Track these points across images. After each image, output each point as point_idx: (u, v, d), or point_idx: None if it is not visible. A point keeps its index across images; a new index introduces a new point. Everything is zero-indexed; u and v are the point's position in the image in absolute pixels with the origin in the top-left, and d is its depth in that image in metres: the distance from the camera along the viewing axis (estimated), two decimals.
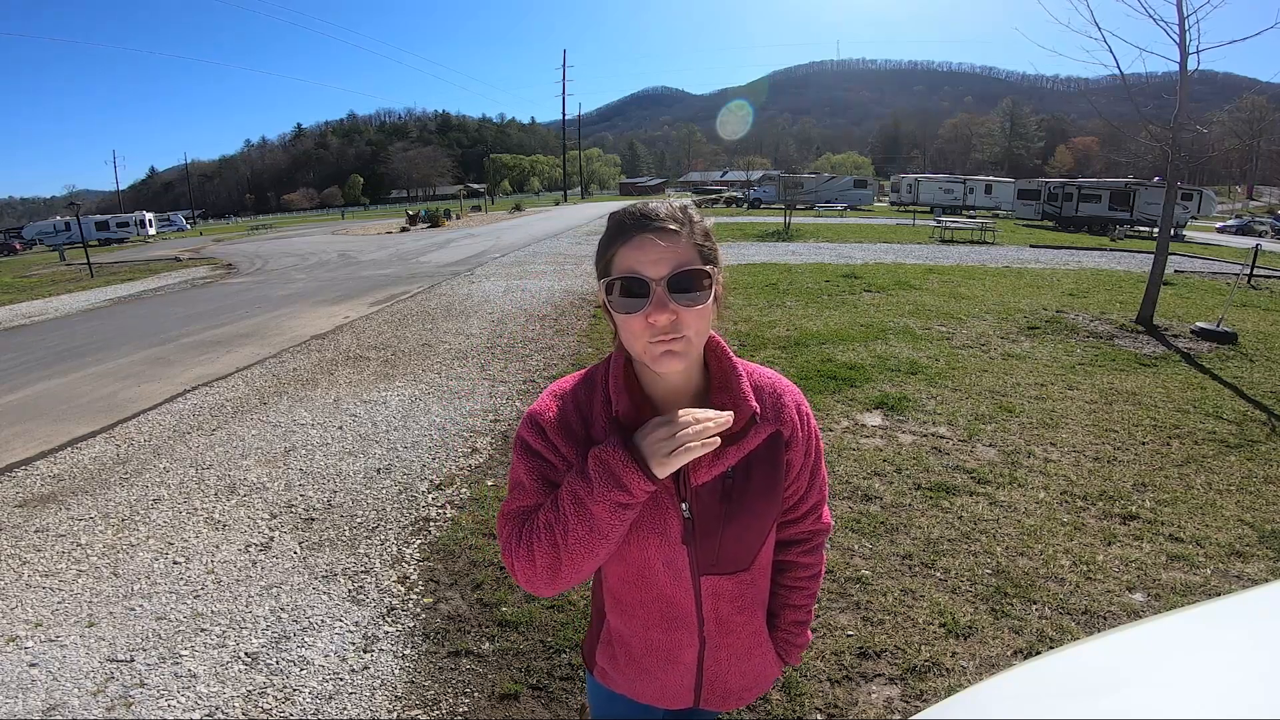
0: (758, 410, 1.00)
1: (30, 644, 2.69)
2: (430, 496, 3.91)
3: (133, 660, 2.58)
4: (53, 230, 42.86)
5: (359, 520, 3.65)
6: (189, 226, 58.42)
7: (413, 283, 13.18)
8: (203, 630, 2.75)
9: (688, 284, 0.90)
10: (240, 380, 6.63)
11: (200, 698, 2.38)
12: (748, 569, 1.07)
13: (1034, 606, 2.71)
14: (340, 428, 5.08)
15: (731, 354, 1.03)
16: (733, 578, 1.06)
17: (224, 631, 2.74)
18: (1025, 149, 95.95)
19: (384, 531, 3.52)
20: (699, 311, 0.91)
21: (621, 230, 0.93)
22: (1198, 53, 7.39)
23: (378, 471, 4.27)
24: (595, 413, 1.00)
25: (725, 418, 0.89)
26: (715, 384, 1.01)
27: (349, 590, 3.01)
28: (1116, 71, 8.16)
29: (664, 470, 0.88)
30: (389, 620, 2.79)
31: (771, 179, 45.66)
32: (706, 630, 1.08)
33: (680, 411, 0.89)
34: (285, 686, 2.42)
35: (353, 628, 2.74)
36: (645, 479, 0.88)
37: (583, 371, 1.07)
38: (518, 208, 51.53)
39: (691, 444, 0.86)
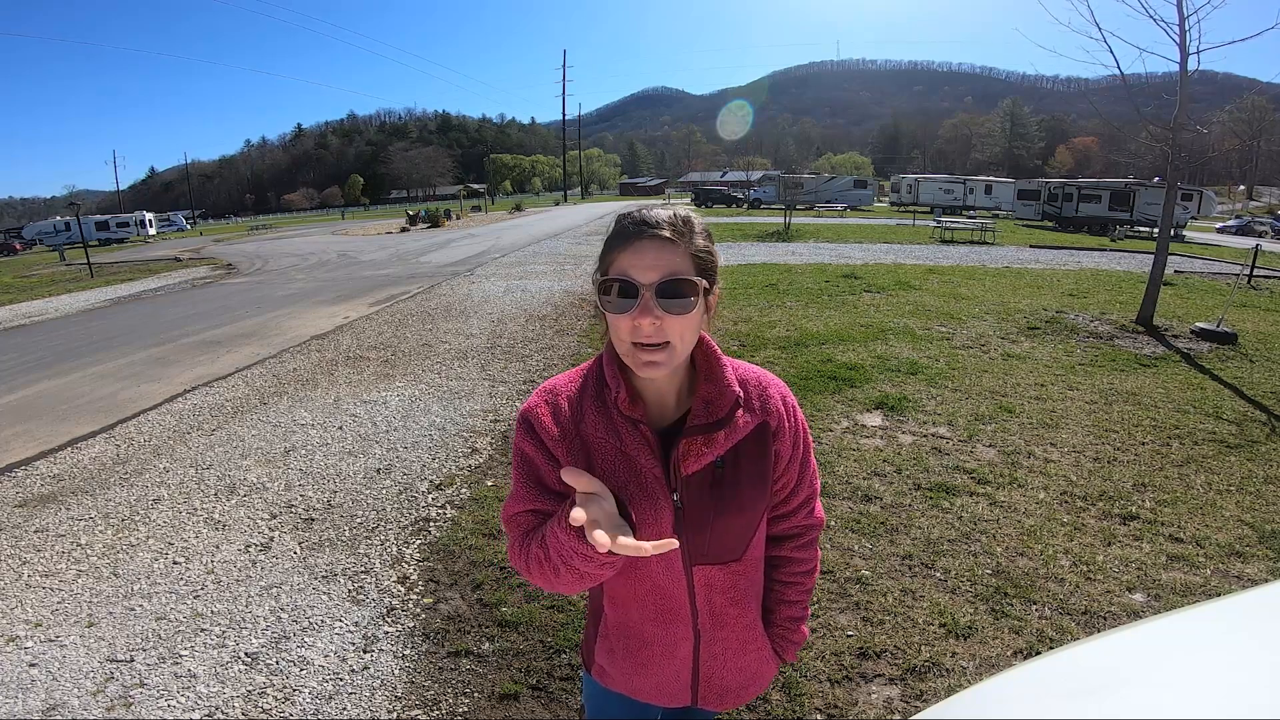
0: (740, 395, 1.03)
1: (30, 644, 2.69)
2: (430, 497, 3.91)
3: (132, 660, 2.58)
4: (53, 230, 42.86)
5: (359, 520, 3.65)
6: (189, 226, 58.47)
7: (413, 283, 13.18)
8: (202, 630, 2.75)
9: (676, 292, 0.92)
10: (240, 380, 6.63)
11: (200, 698, 2.38)
12: (739, 559, 1.09)
13: (1034, 606, 2.71)
14: (340, 428, 5.08)
15: (717, 349, 1.05)
16: (725, 568, 1.08)
17: (224, 631, 2.74)
18: (1025, 149, 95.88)
19: (384, 532, 3.52)
20: (686, 319, 0.93)
21: (622, 234, 0.95)
22: (1198, 53, 7.40)
23: (378, 471, 4.27)
24: (585, 408, 1.02)
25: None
26: (701, 376, 1.04)
27: (349, 590, 3.01)
28: (1116, 71, 8.17)
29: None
30: (389, 620, 2.79)
31: (771, 179, 45.65)
32: (701, 623, 1.10)
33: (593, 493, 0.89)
34: (285, 686, 2.42)
35: (352, 628, 2.74)
36: (600, 557, 0.88)
37: (575, 370, 1.10)
38: (518, 208, 51.55)
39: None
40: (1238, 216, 40.57)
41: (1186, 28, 7.29)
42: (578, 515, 0.83)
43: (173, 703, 2.36)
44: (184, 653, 2.61)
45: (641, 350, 0.93)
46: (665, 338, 0.92)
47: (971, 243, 19.22)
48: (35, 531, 3.66)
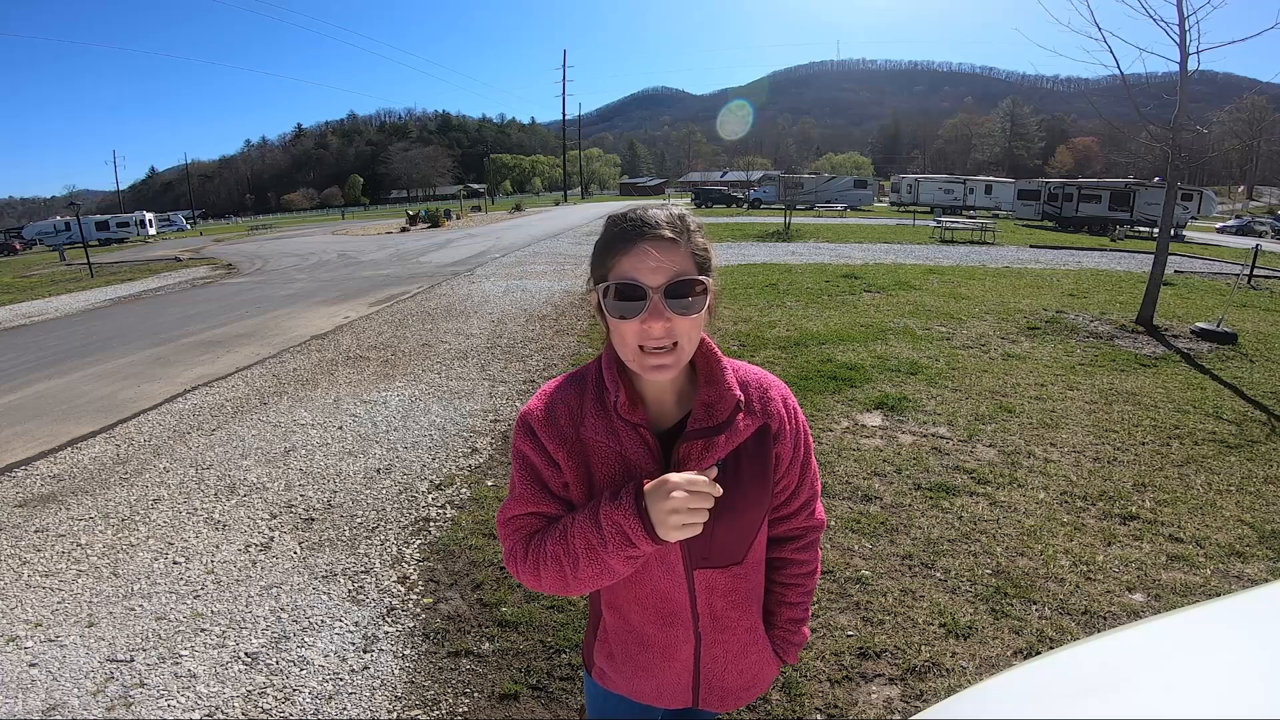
0: (741, 399, 1.02)
1: (30, 644, 2.69)
2: (430, 496, 3.91)
3: (133, 660, 2.58)
4: (53, 230, 42.84)
5: (359, 520, 3.65)
6: (189, 226, 58.44)
7: (412, 283, 13.18)
8: (203, 630, 2.75)
9: (684, 293, 0.92)
10: (240, 380, 6.63)
11: (200, 698, 2.38)
12: (740, 563, 1.09)
13: (1034, 606, 2.71)
14: (340, 428, 5.08)
15: (717, 350, 1.05)
16: (726, 572, 1.08)
17: (224, 631, 2.74)
18: (1025, 149, 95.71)
19: (384, 532, 3.52)
20: (693, 320, 0.93)
21: (621, 237, 0.94)
22: (1198, 53, 7.40)
23: (378, 471, 4.27)
24: (585, 411, 1.01)
25: (710, 476, 0.93)
26: (702, 379, 1.03)
27: (349, 590, 3.01)
28: (1116, 71, 8.17)
29: (672, 538, 0.91)
30: (389, 620, 2.79)
31: (771, 179, 45.67)
32: (701, 626, 1.09)
33: (673, 478, 0.90)
34: (285, 686, 2.42)
35: (353, 628, 2.74)
36: (652, 541, 0.91)
37: (572, 371, 1.09)
38: (518, 208, 51.52)
39: (693, 521, 0.89)
40: (1238, 216, 40.55)
41: (1186, 28, 7.30)
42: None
43: (173, 703, 2.36)
44: (184, 653, 2.61)
45: (650, 354, 0.93)
46: (674, 339, 0.92)
47: (971, 243, 19.21)
48: (35, 531, 3.66)
